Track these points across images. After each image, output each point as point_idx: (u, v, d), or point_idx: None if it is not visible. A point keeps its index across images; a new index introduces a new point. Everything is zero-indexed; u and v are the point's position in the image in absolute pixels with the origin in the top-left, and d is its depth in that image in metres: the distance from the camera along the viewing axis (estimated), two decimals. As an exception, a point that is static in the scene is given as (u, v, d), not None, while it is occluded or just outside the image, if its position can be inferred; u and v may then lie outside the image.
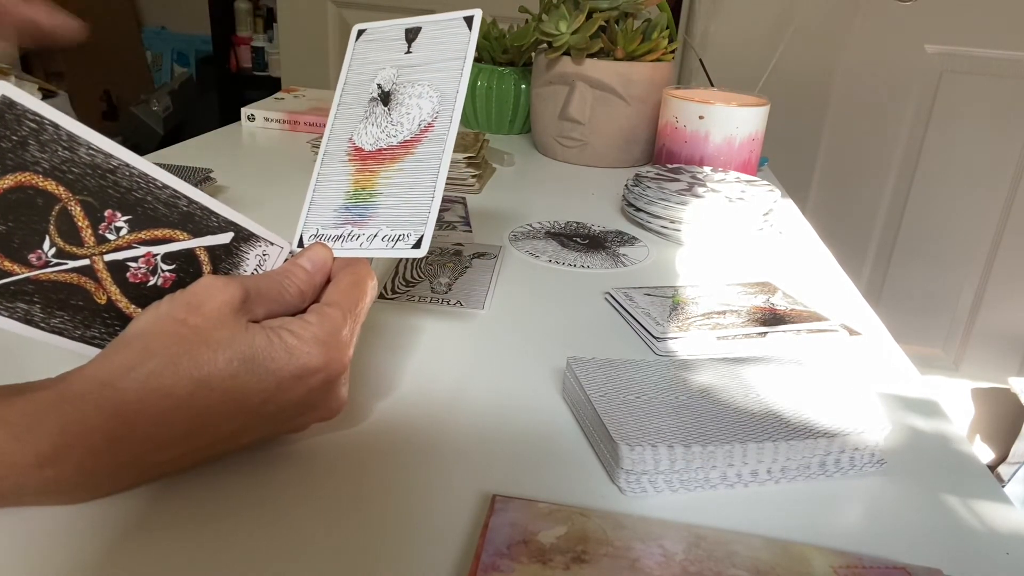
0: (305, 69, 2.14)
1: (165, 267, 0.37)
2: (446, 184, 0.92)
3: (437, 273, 0.63)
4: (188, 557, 0.31)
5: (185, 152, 0.97)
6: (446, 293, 0.59)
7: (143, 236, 0.36)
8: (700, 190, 0.78)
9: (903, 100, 1.75)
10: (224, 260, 0.39)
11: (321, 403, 0.36)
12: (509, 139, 1.17)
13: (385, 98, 0.45)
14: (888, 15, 1.70)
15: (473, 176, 0.88)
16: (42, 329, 0.35)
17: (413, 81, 0.45)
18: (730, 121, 0.91)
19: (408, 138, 0.43)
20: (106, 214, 0.35)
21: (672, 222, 0.75)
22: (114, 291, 0.36)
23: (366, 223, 0.42)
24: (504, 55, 1.15)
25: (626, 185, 0.82)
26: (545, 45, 1.03)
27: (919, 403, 0.48)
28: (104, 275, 0.36)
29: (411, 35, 0.46)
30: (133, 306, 0.37)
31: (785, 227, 0.82)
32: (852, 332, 0.57)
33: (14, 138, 0.32)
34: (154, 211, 0.36)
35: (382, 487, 0.37)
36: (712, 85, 1.11)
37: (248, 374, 0.33)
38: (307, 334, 0.34)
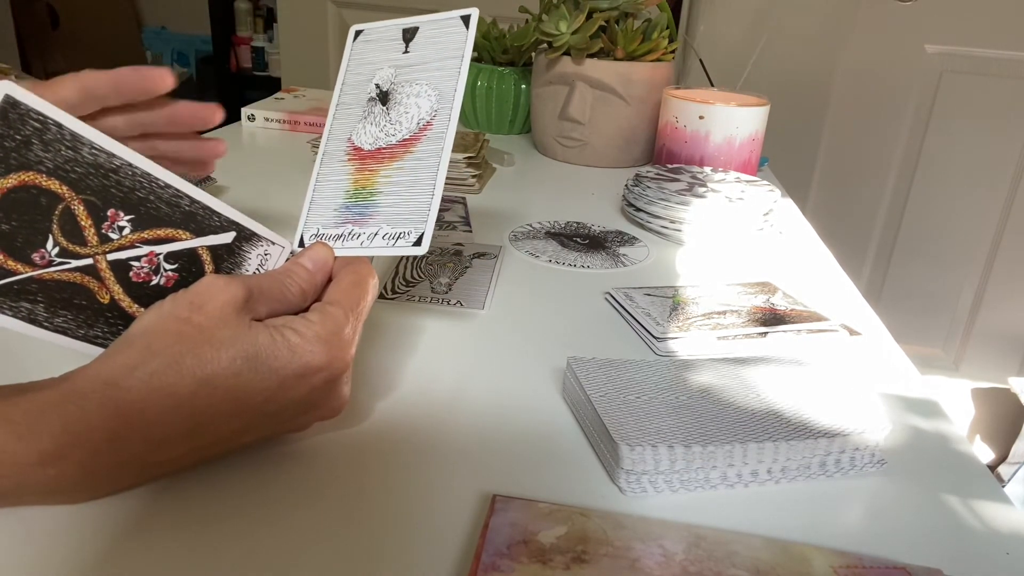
0: (305, 69, 2.14)
1: (168, 266, 0.37)
2: (446, 184, 0.92)
3: (437, 273, 0.63)
4: (188, 557, 0.31)
5: (185, 152, 0.97)
6: (446, 293, 0.59)
7: (146, 235, 0.36)
8: (700, 190, 0.78)
9: (903, 100, 1.75)
10: (226, 260, 0.39)
11: (323, 402, 0.37)
12: (509, 139, 1.17)
13: (383, 98, 0.45)
14: (888, 15, 1.70)
15: (473, 176, 0.88)
16: (46, 328, 0.35)
17: (411, 80, 0.45)
18: (730, 121, 0.91)
19: (407, 137, 0.43)
20: (109, 213, 0.35)
21: (672, 222, 0.75)
22: (117, 290, 0.36)
23: (366, 222, 0.42)
24: (504, 55, 1.15)
25: (626, 185, 0.82)
26: (545, 45, 1.03)
27: (919, 403, 0.48)
28: (107, 274, 0.36)
29: (408, 35, 0.46)
30: (136, 305, 0.37)
31: (785, 227, 0.82)
32: (852, 332, 0.57)
33: (18, 137, 0.32)
34: (157, 211, 0.37)
35: (382, 487, 0.37)
36: (712, 85, 1.11)
37: (251, 372, 0.33)
38: (310, 333, 0.34)
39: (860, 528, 0.37)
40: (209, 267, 0.39)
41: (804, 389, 0.43)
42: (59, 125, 0.33)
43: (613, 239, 0.75)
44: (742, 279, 0.65)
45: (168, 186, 0.37)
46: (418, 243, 0.40)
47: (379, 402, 0.44)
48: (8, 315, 0.34)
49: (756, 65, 1.42)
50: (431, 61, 0.45)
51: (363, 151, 0.45)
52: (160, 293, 0.36)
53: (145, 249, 0.37)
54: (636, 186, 0.80)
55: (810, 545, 0.33)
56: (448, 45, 0.44)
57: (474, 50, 1.18)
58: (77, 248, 0.35)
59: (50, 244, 0.34)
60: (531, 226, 0.77)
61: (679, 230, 0.75)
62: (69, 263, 0.35)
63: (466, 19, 0.44)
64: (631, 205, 0.79)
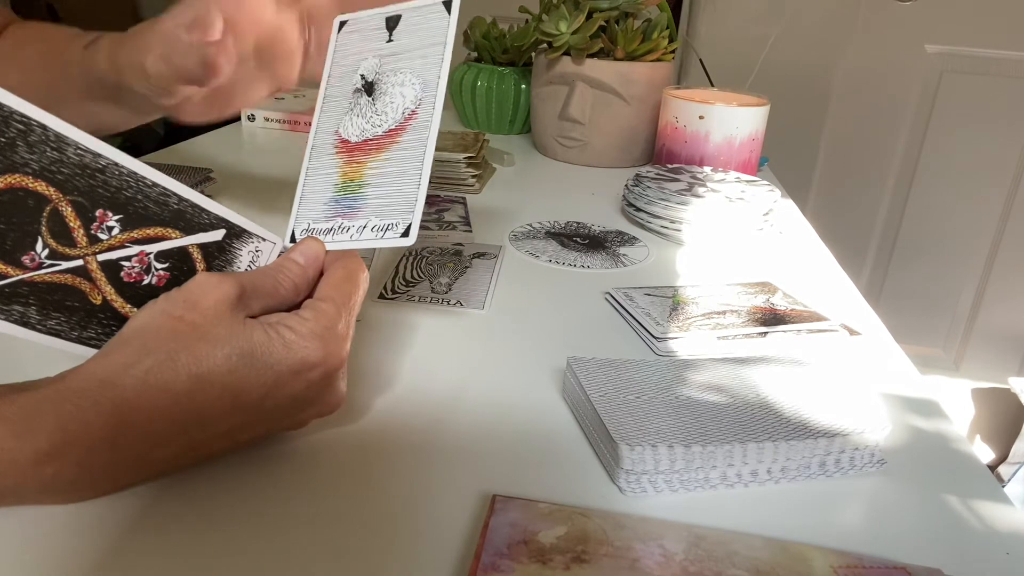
0: (305, 69, 2.14)
1: (159, 266, 0.37)
2: (447, 184, 0.91)
3: (437, 273, 0.63)
4: (187, 557, 0.31)
5: (185, 152, 0.97)
6: (446, 293, 0.59)
7: (135, 235, 0.36)
8: (700, 190, 0.78)
9: (903, 100, 1.75)
10: (217, 257, 0.39)
11: (319, 398, 0.37)
12: (509, 139, 1.17)
13: (369, 88, 0.45)
14: (888, 15, 1.70)
15: (473, 176, 0.88)
16: (39, 331, 0.35)
17: (395, 69, 0.44)
18: (730, 121, 0.91)
19: (393, 127, 0.43)
20: (97, 214, 0.35)
21: (672, 222, 0.75)
22: (109, 291, 0.36)
23: (355, 215, 0.42)
24: (504, 55, 1.15)
25: (626, 185, 0.82)
26: (545, 45, 1.03)
27: (919, 403, 0.48)
28: (98, 275, 0.36)
29: (391, 23, 0.46)
30: (129, 306, 0.37)
31: (785, 227, 0.82)
32: (852, 332, 0.57)
33: (2, 139, 0.32)
34: (145, 209, 0.36)
35: (382, 487, 0.37)
36: (712, 85, 1.11)
37: (246, 369, 0.33)
38: (304, 329, 0.34)
39: (860, 528, 0.37)
40: (200, 265, 0.39)
41: (804, 389, 0.43)
42: (43, 126, 0.33)
43: (613, 239, 0.75)
44: (742, 279, 0.65)
45: (155, 185, 0.36)
46: (406, 234, 0.40)
47: (379, 402, 0.44)
48: (1, 319, 0.34)
49: (756, 65, 1.42)
50: (414, 49, 0.44)
51: (350, 143, 0.44)
52: (152, 293, 0.36)
53: (135, 249, 0.36)
54: (636, 186, 0.80)
55: (810, 545, 0.33)
56: (431, 32, 0.44)
57: (474, 50, 1.19)
58: (67, 249, 0.35)
59: (39, 246, 0.34)
60: (531, 226, 0.77)
61: (679, 230, 0.75)
62: (59, 265, 0.35)
63: (448, 4, 0.44)
64: (631, 205, 0.79)
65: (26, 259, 0.34)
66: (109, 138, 0.35)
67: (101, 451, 0.31)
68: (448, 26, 0.43)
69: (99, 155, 0.35)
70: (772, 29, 1.69)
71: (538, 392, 0.46)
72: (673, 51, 1.03)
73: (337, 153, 0.45)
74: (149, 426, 0.32)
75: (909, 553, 0.34)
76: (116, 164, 0.35)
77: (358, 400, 0.43)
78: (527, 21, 1.12)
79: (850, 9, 1.71)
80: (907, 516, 0.38)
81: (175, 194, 0.37)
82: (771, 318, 0.56)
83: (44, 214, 0.34)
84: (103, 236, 0.35)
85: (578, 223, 0.79)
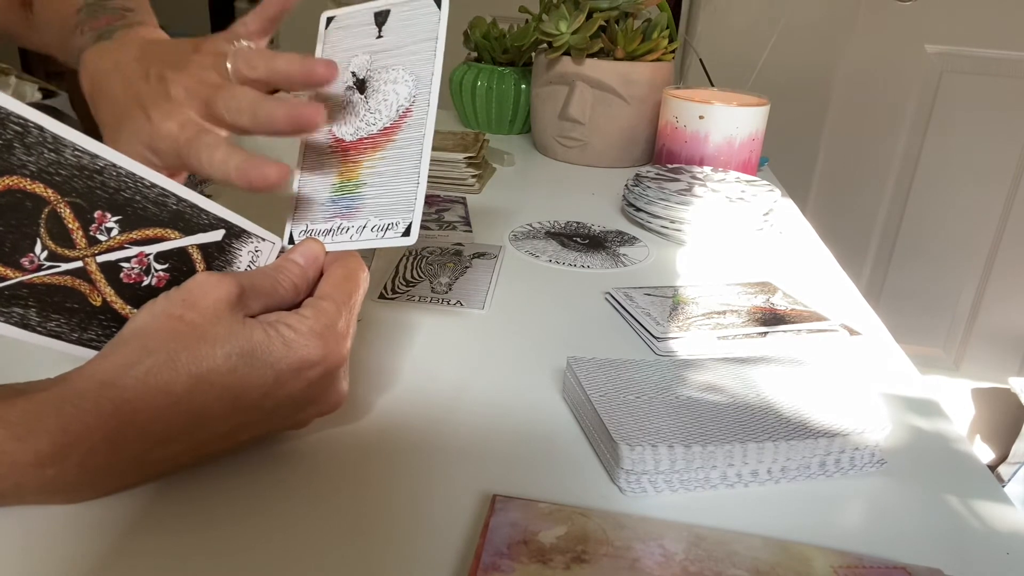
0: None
1: (158, 266, 0.37)
2: (447, 184, 0.91)
3: (437, 273, 0.63)
4: (187, 557, 0.31)
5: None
6: (446, 293, 0.59)
7: (134, 236, 0.36)
8: (700, 190, 0.78)
9: (903, 100, 1.75)
10: (217, 258, 0.39)
11: (321, 397, 0.37)
12: (509, 139, 1.17)
13: (361, 86, 0.44)
14: (888, 15, 1.70)
15: (473, 176, 0.88)
16: (39, 333, 0.35)
17: (387, 66, 0.44)
18: (730, 121, 0.91)
19: (388, 125, 0.43)
20: (96, 215, 0.35)
21: (672, 222, 0.75)
22: (109, 292, 0.36)
23: (354, 215, 0.42)
24: (504, 55, 1.15)
25: (626, 185, 0.82)
26: (545, 45, 1.03)
27: (919, 403, 0.48)
28: (98, 277, 0.36)
29: (380, 19, 0.45)
30: (128, 307, 0.37)
31: (785, 227, 0.82)
32: (852, 332, 0.57)
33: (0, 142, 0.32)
34: (144, 210, 0.36)
35: (382, 487, 0.37)
36: (712, 85, 1.11)
37: (247, 368, 0.33)
38: (304, 327, 0.34)
39: (860, 528, 0.37)
40: (200, 265, 0.39)
41: (804, 389, 0.43)
42: (40, 128, 0.33)
43: (613, 239, 0.75)
44: (742, 279, 0.65)
45: (154, 185, 0.36)
46: (407, 233, 0.40)
47: (378, 401, 0.44)
48: (1, 321, 0.34)
49: (756, 65, 1.42)
50: (406, 45, 0.44)
51: (345, 142, 0.44)
52: (152, 293, 0.36)
53: (134, 250, 0.36)
54: (636, 186, 0.80)
55: (810, 545, 0.33)
56: (422, 27, 0.43)
57: (474, 50, 1.19)
58: (66, 251, 0.35)
59: (38, 248, 0.34)
60: (531, 226, 0.77)
61: (679, 230, 0.75)
62: (59, 266, 0.34)
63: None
64: (631, 205, 0.79)
65: (25, 261, 0.34)
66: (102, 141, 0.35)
67: (102, 452, 0.31)
68: (439, 21, 0.43)
69: (97, 156, 0.35)
70: (772, 29, 1.69)
71: (538, 392, 0.46)
72: (673, 51, 1.03)
73: (332, 153, 0.45)
74: (150, 426, 0.32)
75: (909, 553, 0.34)
76: (114, 165, 0.35)
77: (358, 400, 0.43)
78: (527, 21, 1.12)
79: (850, 9, 1.71)
80: (907, 516, 0.38)
81: (174, 194, 0.37)
82: (771, 318, 0.56)
83: (42, 216, 0.34)
84: (102, 237, 0.35)
85: (578, 223, 0.79)
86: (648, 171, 0.84)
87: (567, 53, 0.99)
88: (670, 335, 0.52)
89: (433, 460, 0.39)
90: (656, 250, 0.73)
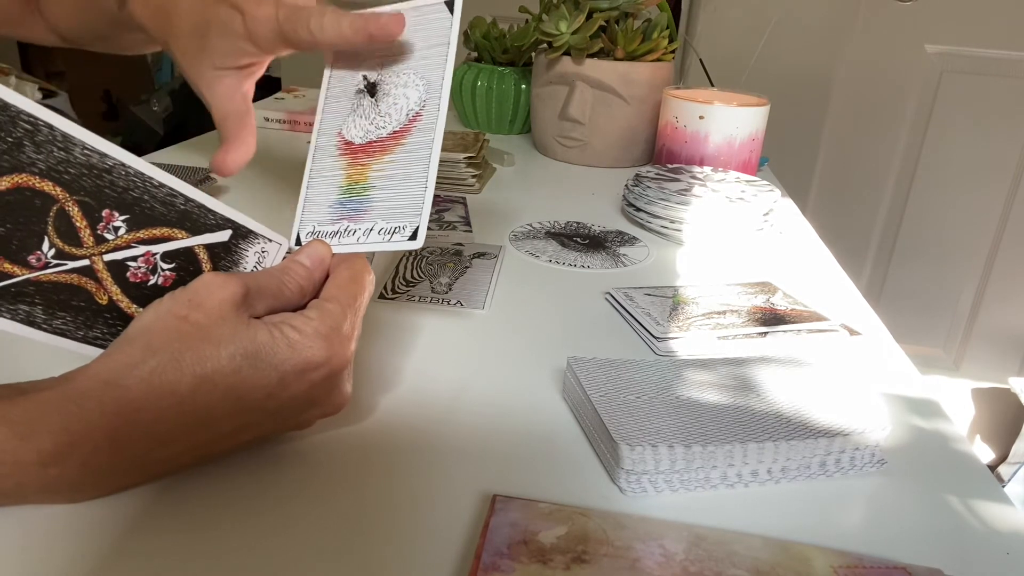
0: (305, 69, 2.14)
1: (165, 266, 0.37)
2: (447, 184, 0.91)
3: (437, 273, 0.63)
4: (188, 557, 0.31)
5: (185, 152, 0.97)
6: (446, 293, 0.59)
7: (142, 235, 0.36)
8: (700, 190, 0.78)
9: (903, 100, 1.75)
10: (224, 258, 0.39)
11: (324, 399, 0.37)
12: (509, 139, 1.17)
13: (371, 89, 0.44)
14: (888, 15, 1.70)
15: (473, 176, 0.88)
16: (44, 330, 0.35)
17: (398, 71, 0.44)
18: (730, 121, 0.91)
19: (397, 129, 0.43)
20: (104, 214, 0.35)
21: (672, 222, 0.75)
22: (115, 291, 0.36)
23: (361, 217, 0.42)
24: (504, 55, 1.15)
25: (626, 185, 0.82)
26: (545, 45, 1.03)
27: (919, 403, 0.48)
28: (104, 275, 0.36)
29: None
30: (135, 306, 0.37)
31: (785, 227, 0.82)
32: (852, 332, 0.57)
33: (9, 140, 0.32)
34: (151, 210, 0.36)
35: (383, 486, 0.37)
36: (712, 85, 1.11)
37: (251, 369, 0.33)
38: (308, 329, 0.34)
39: (860, 528, 0.37)
40: (207, 266, 0.39)
41: (804, 389, 0.43)
42: (50, 126, 0.33)
43: (613, 239, 0.75)
44: (742, 279, 0.65)
45: (162, 185, 0.36)
46: (414, 237, 0.40)
47: (379, 402, 0.44)
48: (6, 318, 0.34)
49: (757, 65, 1.42)
50: (417, 50, 0.44)
51: (354, 145, 0.44)
52: (158, 293, 0.36)
53: (141, 249, 0.36)
54: (636, 186, 0.80)
55: (810, 545, 0.33)
56: (433, 32, 0.43)
57: (474, 50, 1.19)
58: (73, 249, 0.35)
59: (46, 246, 0.34)
60: (531, 226, 0.77)
61: (679, 230, 0.75)
62: (65, 264, 0.35)
63: (450, 4, 0.43)
64: (631, 205, 0.79)
65: (32, 259, 0.34)
66: (108, 137, 0.35)
67: (105, 451, 0.31)
68: (451, 26, 0.43)
69: (106, 155, 0.35)
70: (772, 29, 1.69)
71: (538, 392, 0.46)
72: (673, 51, 1.03)
73: (341, 155, 0.45)
74: (153, 426, 0.32)
75: (909, 553, 0.34)
76: (123, 164, 0.35)
77: (358, 400, 0.43)
78: (527, 21, 1.12)
79: (850, 9, 1.71)
80: (907, 516, 0.38)
81: (182, 194, 0.37)
82: (771, 318, 0.56)
83: (51, 214, 0.34)
84: (109, 236, 0.35)
85: (578, 223, 0.79)
86: (648, 171, 0.84)
87: (567, 53, 0.99)
88: (670, 335, 0.52)
89: (433, 460, 0.39)
90: (656, 250, 0.73)
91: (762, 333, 0.54)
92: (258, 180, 0.87)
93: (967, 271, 1.83)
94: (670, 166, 0.88)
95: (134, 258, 0.36)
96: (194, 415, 0.32)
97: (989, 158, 1.73)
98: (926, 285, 1.86)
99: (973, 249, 1.80)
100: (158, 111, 2.57)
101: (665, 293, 0.60)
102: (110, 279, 0.36)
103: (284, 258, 0.41)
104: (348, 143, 0.45)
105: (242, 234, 0.40)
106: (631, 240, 0.75)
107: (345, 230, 0.42)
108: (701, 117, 0.92)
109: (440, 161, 0.78)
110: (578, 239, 0.74)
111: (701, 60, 1.34)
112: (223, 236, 0.39)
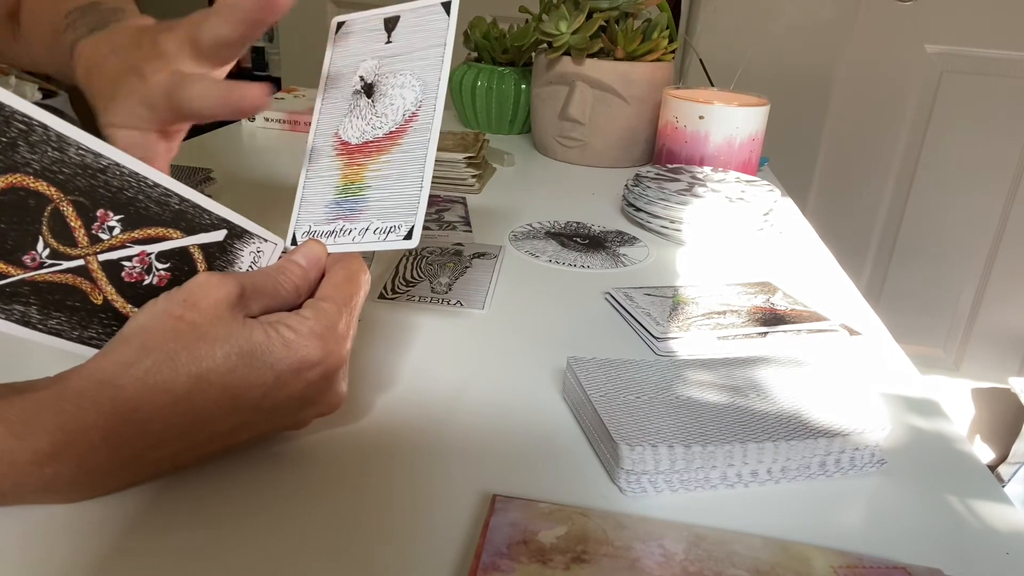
0: (305, 69, 2.14)
1: (160, 266, 0.37)
2: (446, 184, 0.91)
3: (437, 273, 0.63)
4: (187, 557, 0.31)
5: (185, 152, 0.97)
6: (446, 293, 0.59)
7: (136, 235, 0.36)
8: (700, 190, 0.78)
9: (903, 100, 1.75)
10: (219, 258, 0.39)
11: (320, 398, 0.37)
12: (509, 139, 1.17)
13: (368, 90, 0.45)
14: (888, 15, 1.70)
15: (473, 176, 0.88)
16: (39, 331, 0.35)
17: (395, 71, 0.44)
18: (730, 121, 0.91)
19: (393, 129, 0.43)
20: (98, 214, 0.35)
21: (672, 222, 0.75)
22: (110, 291, 0.36)
23: (357, 217, 0.42)
24: (504, 55, 1.15)
25: (626, 185, 0.82)
26: (545, 45, 1.03)
27: (919, 403, 0.48)
28: (99, 275, 0.36)
29: (390, 24, 0.45)
30: (130, 306, 0.37)
31: (785, 227, 0.82)
32: (852, 332, 0.57)
33: (3, 140, 0.32)
34: (146, 210, 0.36)
35: (382, 486, 0.37)
36: (712, 85, 1.11)
37: (246, 368, 0.33)
38: (304, 328, 0.34)
39: (860, 528, 0.37)
40: (202, 265, 0.39)
41: (804, 389, 0.43)
42: (44, 127, 0.33)
43: (613, 239, 0.75)
44: (742, 279, 0.65)
45: (157, 185, 0.36)
46: (409, 236, 0.40)
47: (378, 402, 0.44)
48: (2, 318, 0.34)
49: (757, 65, 1.42)
50: (414, 50, 0.44)
51: (350, 145, 0.44)
52: (153, 293, 0.36)
53: (136, 249, 0.36)
54: (636, 186, 0.80)
55: (810, 545, 0.33)
56: (430, 33, 0.44)
57: (474, 50, 1.19)
58: (68, 249, 0.35)
59: (40, 246, 0.34)
60: (531, 226, 0.77)
61: (679, 230, 0.75)
62: (60, 264, 0.35)
63: (447, 5, 0.43)
64: (631, 205, 0.79)
65: (27, 259, 0.34)
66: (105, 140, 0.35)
67: (101, 451, 0.31)
68: (448, 28, 0.43)
69: (100, 155, 0.35)
70: (773, 29, 1.69)
71: (538, 392, 0.46)
72: (673, 51, 1.03)
73: (337, 155, 0.45)
74: (149, 426, 0.32)
75: (909, 553, 0.34)
76: (117, 164, 0.35)
77: (358, 400, 0.43)
78: (527, 21, 1.12)
79: (850, 9, 1.71)
80: (907, 516, 0.38)
81: (176, 194, 0.37)
82: (771, 318, 0.56)
83: (45, 214, 0.34)
84: (104, 236, 0.35)
85: (578, 223, 0.79)
86: (648, 171, 0.84)
87: (567, 53, 0.99)
88: (670, 335, 0.52)
89: (433, 460, 0.39)
90: (656, 250, 0.73)
91: (762, 333, 0.54)
92: (257, 180, 0.87)
93: (967, 271, 1.83)
94: (670, 166, 0.88)
95: (129, 258, 0.36)
96: (190, 415, 0.32)
97: (989, 158, 1.73)
98: (926, 285, 1.86)
99: (973, 249, 1.80)
100: (158, 111, 2.57)
101: (665, 293, 0.60)
102: (105, 279, 0.36)
103: (280, 258, 0.41)
104: (345, 143, 0.45)
105: (237, 234, 0.40)
106: (631, 240, 0.75)
107: (341, 230, 0.42)
108: (701, 117, 0.92)
109: (440, 161, 0.78)
110: (578, 239, 0.74)
111: (701, 60, 1.34)
112: (218, 236, 0.39)
